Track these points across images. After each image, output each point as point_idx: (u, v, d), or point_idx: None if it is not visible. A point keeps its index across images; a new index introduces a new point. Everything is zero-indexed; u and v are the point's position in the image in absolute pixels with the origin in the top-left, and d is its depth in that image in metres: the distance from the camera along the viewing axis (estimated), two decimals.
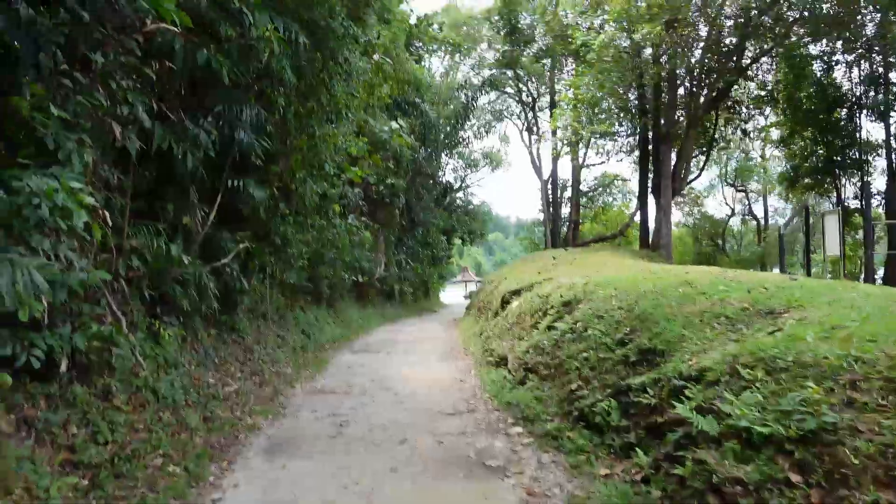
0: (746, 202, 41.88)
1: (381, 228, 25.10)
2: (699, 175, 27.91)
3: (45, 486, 4.18)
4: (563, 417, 6.34)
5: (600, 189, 41.63)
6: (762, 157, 40.10)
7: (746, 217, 43.38)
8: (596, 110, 21.23)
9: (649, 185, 22.81)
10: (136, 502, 4.59)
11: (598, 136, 22.93)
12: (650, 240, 21.78)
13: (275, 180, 9.79)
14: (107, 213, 5.87)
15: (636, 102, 21.96)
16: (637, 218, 30.23)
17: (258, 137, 8.76)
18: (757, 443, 3.39)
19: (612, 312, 7.15)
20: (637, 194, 31.54)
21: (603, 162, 37.99)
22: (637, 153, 32.64)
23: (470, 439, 6.56)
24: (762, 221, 40.55)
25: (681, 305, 6.34)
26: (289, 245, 12.32)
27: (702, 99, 19.88)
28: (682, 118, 20.34)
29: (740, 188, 40.10)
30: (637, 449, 4.76)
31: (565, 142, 23.01)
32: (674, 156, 20.20)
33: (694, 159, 24.76)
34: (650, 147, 22.82)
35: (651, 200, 23.09)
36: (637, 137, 26.19)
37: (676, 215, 37.86)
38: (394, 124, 21.13)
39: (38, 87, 4.62)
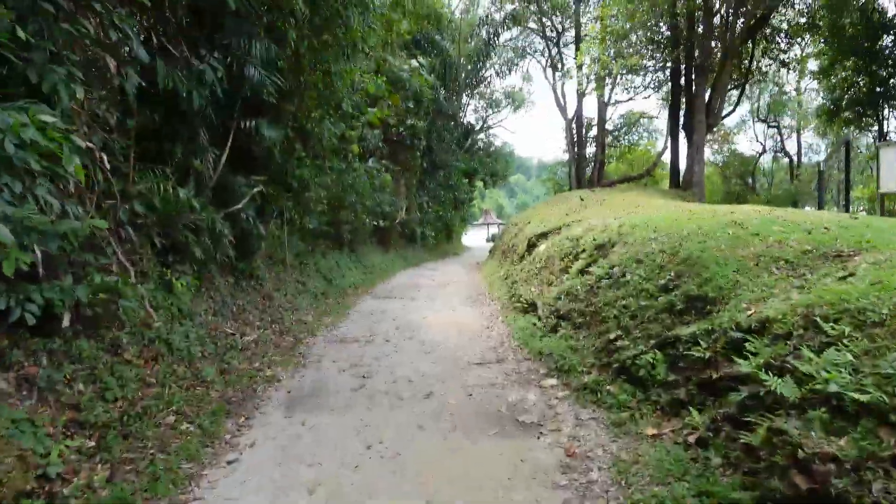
0: (779, 139, 40.39)
1: (401, 171, 24.51)
2: (733, 110, 26.66)
3: (43, 450, 3.84)
4: (602, 369, 5.89)
5: (626, 128, 40.31)
6: (797, 91, 38.43)
7: (778, 154, 41.92)
8: (625, 43, 20.08)
9: (680, 121, 21.76)
10: (145, 465, 4.26)
11: (626, 70, 21.71)
12: (681, 179, 20.88)
13: (289, 120, 9.22)
14: (104, 156, 5.43)
15: (668, 34, 20.70)
16: (666, 157, 29.22)
17: (269, 74, 8.17)
18: (851, 412, 2.90)
19: (653, 256, 6.61)
20: (667, 131, 30.45)
21: (630, 99, 36.21)
22: (666, 89, 31.41)
23: (501, 392, 6.17)
24: (794, 159, 39.08)
25: (732, 248, 5.76)
26: (307, 189, 11.86)
27: (739, 27, 18.64)
28: (717, 49, 19.14)
29: (773, 124, 38.55)
30: (690, 408, 4.30)
31: (592, 77, 21.89)
32: (707, 90, 19.11)
33: (727, 94, 23.53)
34: (682, 81, 21.67)
35: (682, 138, 22.10)
36: (668, 72, 24.99)
37: (705, 153, 36.66)
38: (413, 63, 20.31)
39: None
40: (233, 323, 8.42)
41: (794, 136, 40.11)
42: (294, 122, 9.34)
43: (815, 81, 30.64)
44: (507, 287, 12.74)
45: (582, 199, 17.78)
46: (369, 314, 11.36)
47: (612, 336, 6.06)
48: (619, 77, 23.47)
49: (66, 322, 4.91)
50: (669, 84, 28.06)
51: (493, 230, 73.54)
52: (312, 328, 9.67)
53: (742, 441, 3.39)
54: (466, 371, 7.04)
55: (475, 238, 63.96)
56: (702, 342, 4.60)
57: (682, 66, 21.37)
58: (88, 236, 5.63)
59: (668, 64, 21.53)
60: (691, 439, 4.02)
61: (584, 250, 9.29)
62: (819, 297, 3.81)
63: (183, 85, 6.54)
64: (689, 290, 5.43)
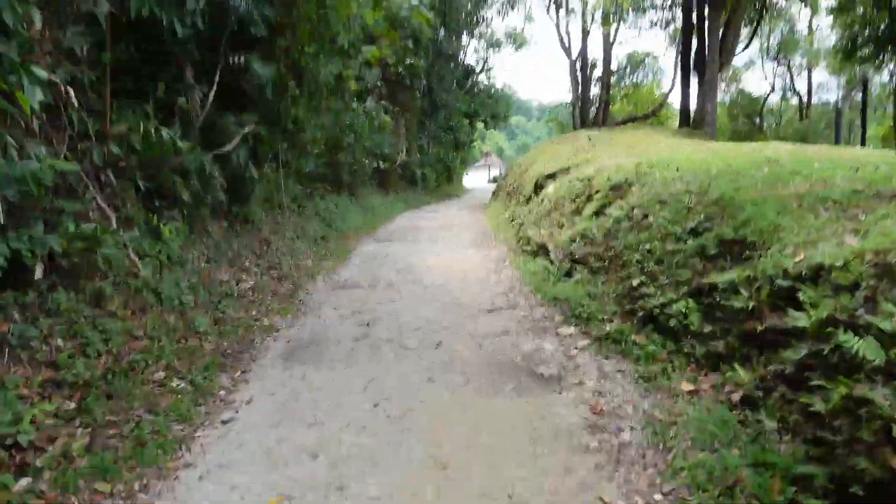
0: (789, 78, 39.19)
1: (401, 112, 23.69)
2: (746, 47, 25.56)
3: (13, 416, 3.43)
4: (625, 317, 5.47)
5: (630, 68, 39.06)
6: (809, 28, 37.05)
7: (788, 93, 40.78)
8: None
9: (691, 59, 20.83)
10: (130, 429, 3.87)
11: (634, 5, 20.57)
12: (691, 118, 20.10)
13: (282, 56, 8.55)
14: (71, 91, 4.87)
15: None
16: (673, 97, 28.32)
17: (258, 3, 7.50)
18: None
19: (679, 197, 6.09)
20: (675, 71, 29.46)
21: (636, 37, 34.84)
22: (674, 26, 30.21)
23: (514, 340, 5.78)
24: (805, 98, 37.97)
25: (770, 188, 5.24)
26: (303, 129, 11.24)
27: None
28: None
29: (783, 62, 37.29)
30: (732, 363, 3.88)
31: (599, 14, 20.79)
32: (720, 27, 18.12)
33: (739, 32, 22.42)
34: (693, 18, 20.63)
35: (692, 77, 21.22)
36: (676, 8, 23.94)
37: None
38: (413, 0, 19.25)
39: None
40: (228, 269, 7.98)
41: (805, 74, 38.86)
42: (287, 59, 8.65)
43: (830, 18, 29.49)
44: (514, 229, 12.27)
45: (590, 139, 17.12)
46: (371, 258, 10.93)
47: (635, 282, 5.61)
48: (626, 13, 22.22)
49: (38, 273, 4.46)
50: (679, 21, 27.02)
51: (495, 172, 72.76)
52: (312, 273, 9.24)
53: (804, 404, 2.97)
54: (476, 318, 6.63)
55: (476, 180, 63.20)
56: (742, 290, 4.15)
57: (695, 2, 20.31)
58: (61, 181, 5.14)
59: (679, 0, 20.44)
60: (735, 398, 3.61)
61: (597, 191, 8.77)
62: (892, 241, 3.32)
63: (161, 12, 5.88)
64: (724, 234, 4.94)
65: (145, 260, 6.07)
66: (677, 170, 7.11)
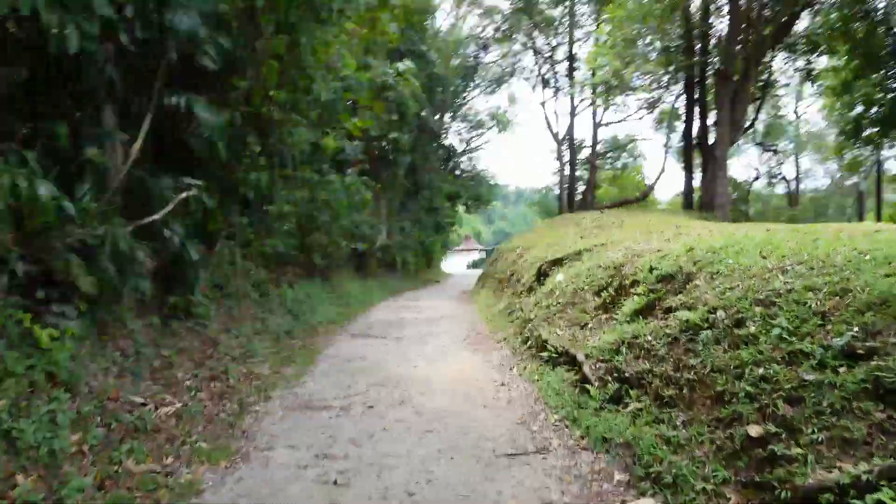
0: (775, 163, 38.74)
1: (382, 190, 22.07)
2: (751, 125, 24.60)
3: None
4: (749, 494, 3.44)
5: (617, 150, 38.45)
6: (795, 113, 37.00)
7: (773, 179, 40.28)
8: (635, 50, 17.99)
9: (693, 135, 19.69)
10: None
11: (640, 76, 19.55)
12: (700, 200, 18.61)
13: (239, 102, 6.73)
14: None
15: (681, 40, 18.61)
16: (663, 180, 27.14)
17: (209, 28, 5.74)
18: None
19: (796, 296, 4.22)
20: (668, 151, 28.71)
21: (622, 121, 34.19)
22: (661, 108, 29.58)
23: None
24: (792, 184, 37.34)
25: None
26: (268, 201, 9.38)
27: (766, 30, 16.68)
28: (739, 55, 17.10)
29: (770, 147, 36.85)
30: None
31: (597, 89, 19.65)
32: (728, 100, 17.00)
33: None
34: (695, 94, 19.62)
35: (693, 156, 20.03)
36: (664, 90, 23.12)
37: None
38: (400, 65, 17.96)
39: None
40: (149, 385, 5.85)
41: (792, 160, 38.47)
42: (246, 106, 6.83)
43: (817, 104, 29.20)
44: (516, 326, 10.29)
45: (596, 221, 15.52)
46: (345, 362, 8.80)
47: (753, 431, 3.62)
48: (627, 86, 21.18)
49: None
50: (670, 100, 26.30)
51: (474, 257, 71.42)
52: (267, 386, 7.10)
53: None
54: (495, 470, 4.55)
55: (455, 264, 61.50)
56: None
57: (696, 78, 19.35)
58: None
59: (681, 73, 19.42)
60: None
61: (634, 282, 6.94)
62: None
63: (48, 13, 4.04)
64: None
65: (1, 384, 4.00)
66: (763, 255, 5.29)
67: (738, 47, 16.50)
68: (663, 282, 6.25)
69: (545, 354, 7.50)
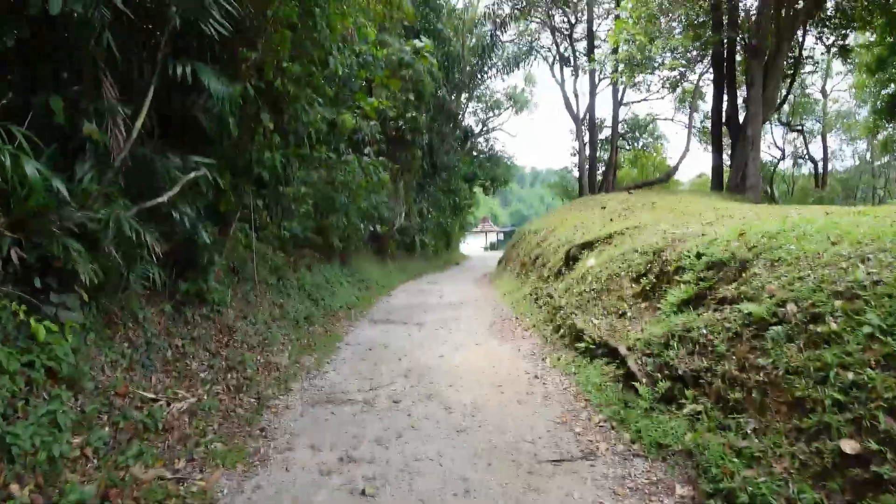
0: (801, 144, 37.62)
1: (400, 171, 21.53)
2: (784, 101, 23.68)
3: None
4: None
5: (639, 130, 37.54)
6: (823, 92, 35.82)
7: (800, 160, 39.22)
8: (661, 22, 17.22)
9: (723, 114, 18.89)
10: None
11: (664, 53, 18.67)
12: (729, 181, 17.90)
13: (251, 75, 6.24)
14: None
15: (708, 17, 17.76)
16: (687, 160, 26.35)
17: None
18: None
19: (881, 288, 3.71)
20: (691, 131, 27.88)
21: (643, 100, 33.30)
22: (682, 88, 28.66)
23: None
24: (819, 165, 36.26)
25: None
26: (285, 182, 8.93)
27: (800, 2, 15.86)
28: (771, 29, 16.24)
29: (796, 127, 35.73)
30: None
31: (624, 64, 18.87)
32: (760, 76, 16.21)
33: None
34: (724, 70, 18.79)
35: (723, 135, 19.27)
36: (687, 69, 22.25)
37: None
38: (417, 43, 17.36)
39: None
40: (161, 378, 5.46)
41: (818, 140, 37.30)
42: (258, 79, 6.33)
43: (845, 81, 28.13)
44: (545, 313, 9.79)
45: (623, 202, 14.94)
46: (366, 350, 8.39)
47: (847, 447, 3.13)
48: (651, 63, 20.27)
49: None
50: (692, 79, 25.42)
51: (492, 238, 70.83)
52: (287, 377, 6.70)
53: None
54: (539, 479, 4.10)
55: (472, 246, 60.92)
56: None
57: (725, 54, 18.52)
58: None
59: (709, 48, 18.58)
60: None
61: (678, 269, 6.41)
62: None
63: None
64: None
65: None
66: (832, 241, 4.75)
67: (770, 22, 15.70)
68: (713, 269, 5.72)
69: (582, 345, 7.02)
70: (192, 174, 5.48)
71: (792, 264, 4.76)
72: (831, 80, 36.07)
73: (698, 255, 6.15)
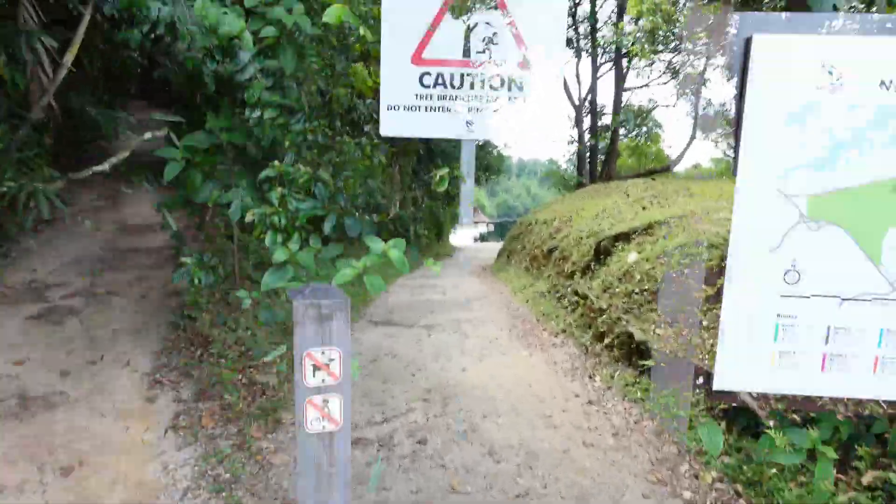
0: None
1: (395, 156, 20.00)
2: None
3: None
4: None
5: (641, 117, 36.15)
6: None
7: None
8: None
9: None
10: None
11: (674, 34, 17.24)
12: None
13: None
14: None
15: None
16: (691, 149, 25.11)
17: None
18: None
19: None
20: (697, 118, 26.56)
21: (646, 85, 31.92)
22: (684, 74, 27.32)
23: None
24: None
25: None
26: (271, 159, 7.41)
27: None
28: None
29: None
30: None
31: (639, 39, 17.45)
32: None
33: None
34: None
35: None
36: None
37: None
38: None
39: None
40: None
41: None
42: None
43: None
44: (580, 316, 8.36)
45: (648, 189, 13.61)
46: (370, 362, 6.92)
47: None
48: (668, 37, 18.86)
49: None
50: (690, 67, 24.05)
51: (481, 229, 69.39)
52: (275, 406, 5.22)
53: None
54: None
55: (462, 237, 59.36)
56: None
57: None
58: None
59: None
60: None
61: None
62: None
63: None
64: None
65: None
66: None
67: None
68: None
69: (647, 362, 5.60)
70: (149, 134, 3.96)
71: None
72: None
73: None
